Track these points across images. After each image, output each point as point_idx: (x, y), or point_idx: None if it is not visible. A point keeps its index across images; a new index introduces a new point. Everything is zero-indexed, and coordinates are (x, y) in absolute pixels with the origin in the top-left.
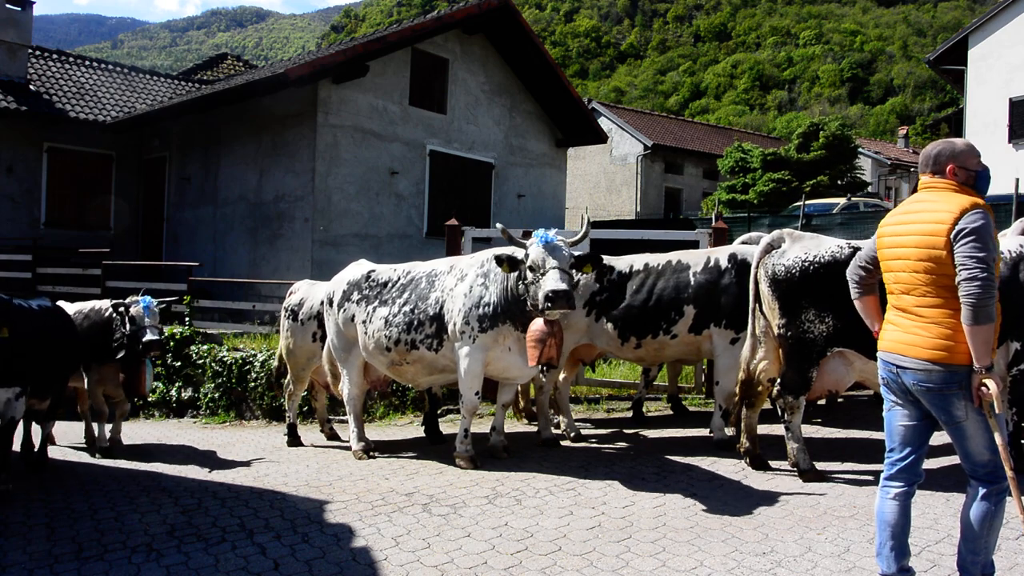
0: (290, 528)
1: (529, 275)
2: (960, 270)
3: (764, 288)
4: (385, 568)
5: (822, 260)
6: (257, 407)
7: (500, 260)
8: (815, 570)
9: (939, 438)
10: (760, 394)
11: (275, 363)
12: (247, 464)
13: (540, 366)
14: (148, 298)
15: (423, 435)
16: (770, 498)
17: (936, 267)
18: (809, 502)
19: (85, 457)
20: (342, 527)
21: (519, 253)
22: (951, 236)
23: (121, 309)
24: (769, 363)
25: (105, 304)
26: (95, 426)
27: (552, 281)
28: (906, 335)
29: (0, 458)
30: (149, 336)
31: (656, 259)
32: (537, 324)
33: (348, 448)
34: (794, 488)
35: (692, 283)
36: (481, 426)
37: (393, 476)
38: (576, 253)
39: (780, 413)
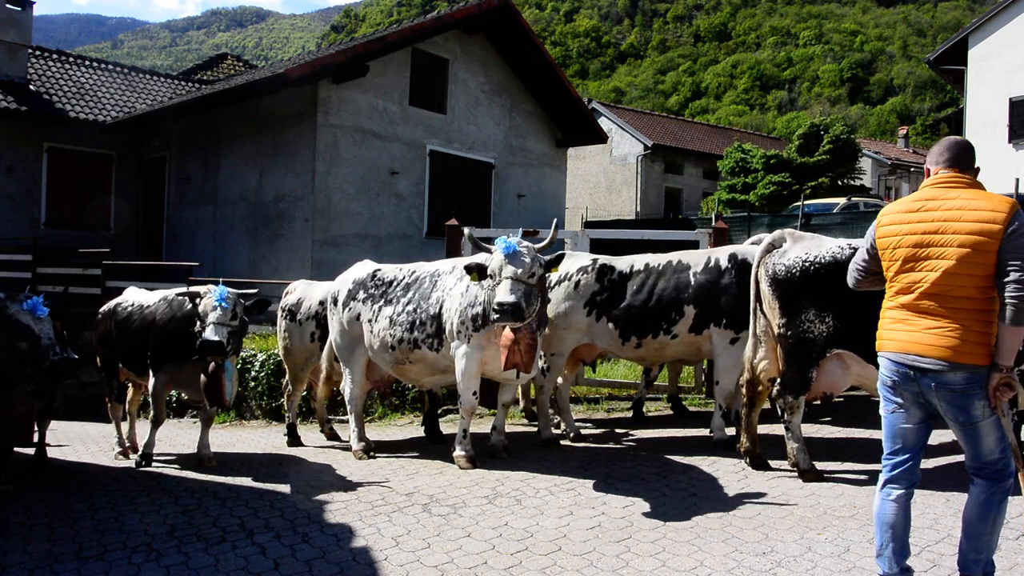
0: (290, 528)
1: (488, 282)
2: (1011, 271)
3: (764, 287)
4: (385, 568)
5: (823, 260)
6: (257, 407)
7: (469, 269)
8: (815, 570)
9: (939, 437)
10: (760, 394)
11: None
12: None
13: (514, 371)
14: (224, 289)
15: (423, 435)
16: (770, 498)
17: (976, 265)
18: (809, 502)
19: (86, 457)
20: (342, 527)
21: (487, 259)
22: (1006, 234)
23: (196, 300)
24: (769, 363)
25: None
26: (148, 431)
27: (502, 292)
28: (925, 335)
29: (1, 458)
30: (207, 335)
31: (657, 259)
32: (506, 329)
33: (348, 448)
34: (794, 488)
35: (692, 283)
36: (481, 426)
37: (393, 476)
38: (546, 258)
39: (780, 413)
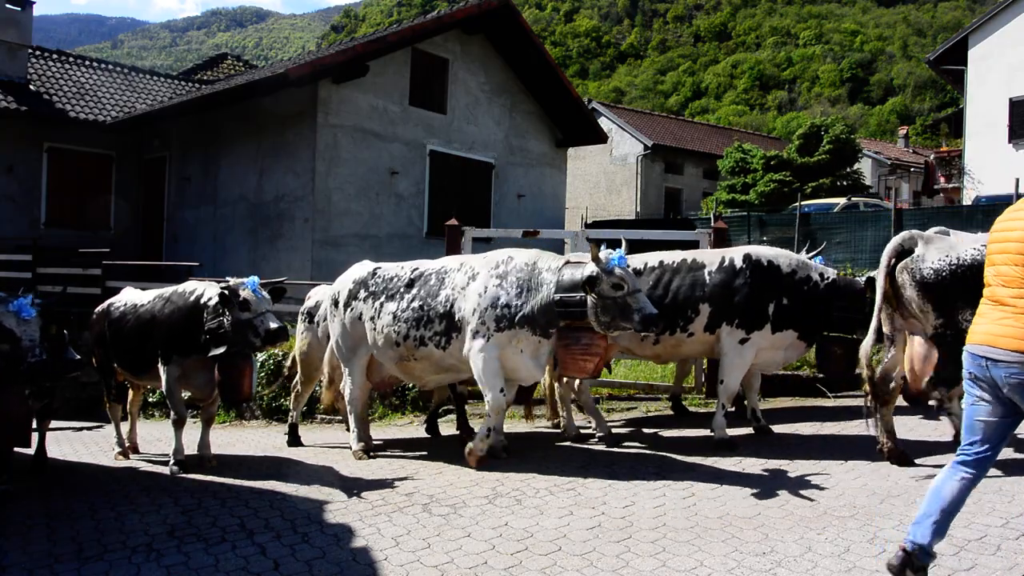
0: (290, 528)
1: (610, 291)
2: None
3: (911, 292)
4: (385, 568)
5: (971, 261)
6: (257, 407)
7: (580, 285)
8: (815, 570)
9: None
10: (894, 391)
11: (287, 363)
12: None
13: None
14: (255, 279)
15: (423, 435)
16: (770, 498)
17: None
18: (809, 502)
19: (86, 457)
20: (342, 527)
21: (588, 269)
22: None
23: (226, 293)
24: (897, 361)
25: (192, 286)
26: (174, 437)
27: (647, 304)
28: (997, 327)
29: (0, 458)
30: (273, 323)
31: (671, 257)
32: (590, 337)
33: (348, 448)
34: (794, 488)
35: (708, 281)
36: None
37: (393, 476)
38: None
39: (934, 405)
